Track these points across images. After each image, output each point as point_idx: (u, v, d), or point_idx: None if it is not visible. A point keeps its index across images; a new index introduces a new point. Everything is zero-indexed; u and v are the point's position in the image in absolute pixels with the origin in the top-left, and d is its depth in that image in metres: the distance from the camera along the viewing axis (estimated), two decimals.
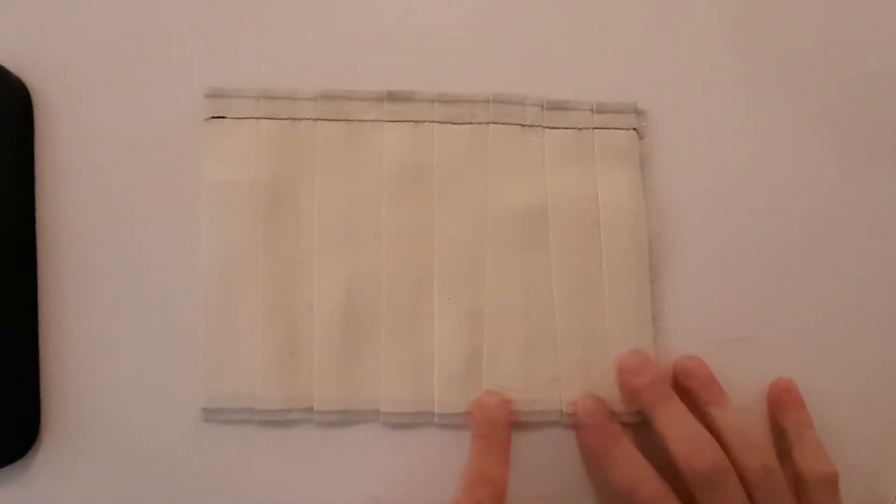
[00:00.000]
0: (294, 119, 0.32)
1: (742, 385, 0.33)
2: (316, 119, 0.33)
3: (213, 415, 0.31)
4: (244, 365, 0.31)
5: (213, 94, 0.32)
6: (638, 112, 0.34)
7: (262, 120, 0.32)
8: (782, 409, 0.32)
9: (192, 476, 0.31)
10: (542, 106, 0.33)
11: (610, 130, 0.33)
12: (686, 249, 0.34)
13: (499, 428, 0.31)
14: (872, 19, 0.36)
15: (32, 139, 0.32)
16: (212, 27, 0.34)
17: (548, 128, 0.33)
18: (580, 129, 0.33)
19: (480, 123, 0.33)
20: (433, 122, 0.33)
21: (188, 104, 0.33)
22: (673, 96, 0.35)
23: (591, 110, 0.33)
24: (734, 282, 0.34)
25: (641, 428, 0.32)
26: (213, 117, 0.32)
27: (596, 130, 0.33)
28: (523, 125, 0.33)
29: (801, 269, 0.34)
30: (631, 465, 0.30)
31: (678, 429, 0.30)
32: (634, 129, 0.34)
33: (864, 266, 0.35)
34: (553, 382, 0.32)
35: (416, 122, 0.33)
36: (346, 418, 0.32)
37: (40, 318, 0.32)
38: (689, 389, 0.32)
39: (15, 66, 0.32)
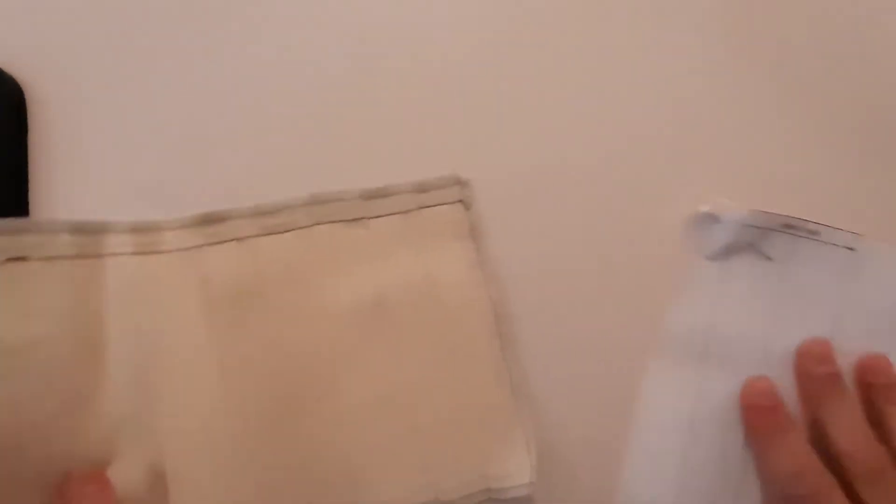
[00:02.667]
0: (100, 256, 0.30)
1: None
2: (132, 253, 0.31)
3: None
4: None
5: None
6: (461, 183, 0.33)
7: (58, 260, 0.29)
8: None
9: None
10: (362, 197, 0.33)
11: (435, 208, 0.33)
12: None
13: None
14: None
15: (26, 138, 0.32)
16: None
17: (372, 218, 0.33)
18: (406, 212, 0.33)
19: (303, 227, 0.33)
20: (255, 236, 0.32)
21: (183, 99, 0.33)
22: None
23: (414, 191, 0.33)
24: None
25: None
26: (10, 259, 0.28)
27: (422, 210, 0.33)
28: (347, 220, 0.33)
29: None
30: (798, 452, 0.30)
31: (847, 421, 0.30)
32: (460, 200, 0.33)
33: None
34: (428, 472, 0.32)
35: (239, 239, 0.32)
36: None
37: None
38: (870, 386, 0.32)
39: (8, 65, 0.32)
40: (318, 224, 0.33)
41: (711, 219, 0.34)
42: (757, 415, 0.32)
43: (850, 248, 0.34)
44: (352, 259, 0.33)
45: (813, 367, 0.32)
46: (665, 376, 0.34)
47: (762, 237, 0.34)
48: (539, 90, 0.35)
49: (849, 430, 0.30)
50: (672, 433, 0.34)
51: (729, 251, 0.34)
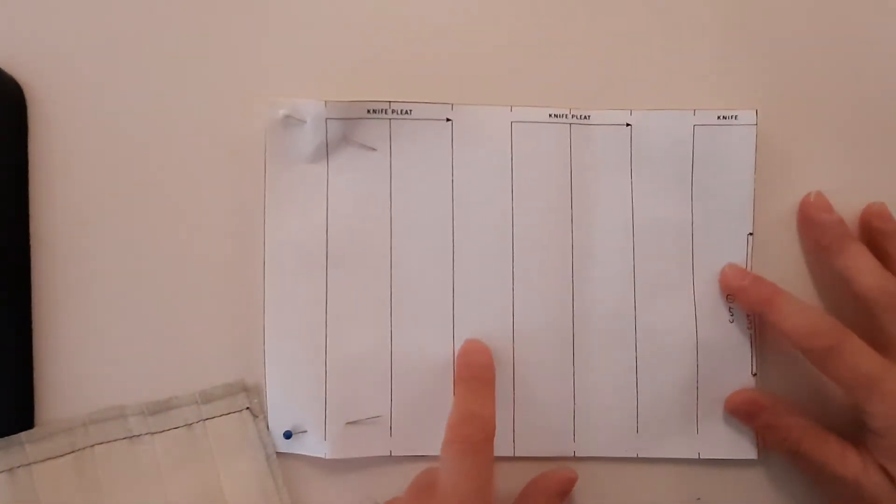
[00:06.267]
0: None
1: None
2: None
3: None
4: None
5: None
6: (247, 389, 0.32)
7: None
8: None
9: None
10: (143, 413, 0.31)
11: (221, 418, 0.32)
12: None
13: (483, 370, 0.31)
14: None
15: (26, 138, 0.32)
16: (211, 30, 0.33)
17: (156, 433, 0.31)
18: (190, 424, 0.31)
19: (83, 449, 0.31)
20: (30, 464, 0.31)
21: (185, 103, 0.33)
22: None
23: (197, 402, 0.31)
24: None
25: None
26: None
27: (207, 422, 0.31)
28: (130, 437, 0.31)
29: None
30: (805, 310, 0.31)
31: (865, 260, 0.31)
32: (247, 408, 0.32)
33: None
34: None
35: (11, 469, 0.31)
36: None
37: (34, 319, 0.31)
38: (878, 231, 0.32)
39: (8, 65, 0.32)
40: (99, 444, 0.31)
41: (294, 121, 0.32)
42: (750, 287, 0.32)
43: (448, 119, 0.33)
44: (137, 478, 0.31)
45: (818, 214, 0.32)
46: (287, 287, 0.32)
47: (353, 128, 0.32)
48: None
49: (869, 268, 0.31)
50: (308, 344, 0.32)
51: (324, 149, 0.32)
